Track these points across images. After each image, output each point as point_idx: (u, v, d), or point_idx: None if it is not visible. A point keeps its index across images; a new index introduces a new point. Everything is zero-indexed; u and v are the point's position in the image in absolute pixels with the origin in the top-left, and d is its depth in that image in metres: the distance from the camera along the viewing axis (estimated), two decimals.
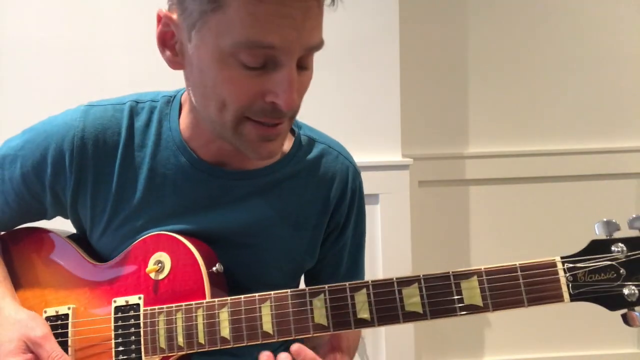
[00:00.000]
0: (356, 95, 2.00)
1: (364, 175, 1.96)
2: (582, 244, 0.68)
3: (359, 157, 1.96)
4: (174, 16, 0.74)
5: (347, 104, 2.00)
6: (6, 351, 0.78)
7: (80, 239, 0.96)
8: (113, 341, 0.82)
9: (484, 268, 0.69)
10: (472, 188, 2.35)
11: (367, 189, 1.96)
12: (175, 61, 0.78)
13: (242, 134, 0.77)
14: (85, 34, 1.92)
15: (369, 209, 1.99)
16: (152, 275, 0.84)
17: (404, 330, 2.04)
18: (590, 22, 2.35)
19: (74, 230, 0.98)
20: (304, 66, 0.76)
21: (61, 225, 0.99)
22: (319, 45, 0.74)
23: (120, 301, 0.84)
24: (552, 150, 2.32)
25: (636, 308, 0.65)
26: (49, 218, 0.97)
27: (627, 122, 2.37)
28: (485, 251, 2.37)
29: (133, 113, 0.89)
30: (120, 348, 0.82)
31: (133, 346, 0.81)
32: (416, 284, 0.71)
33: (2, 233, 0.97)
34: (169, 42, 0.77)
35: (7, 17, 1.91)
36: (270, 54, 0.70)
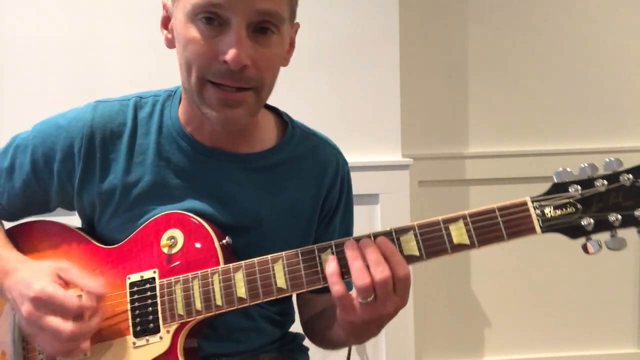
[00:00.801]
0: (356, 95, 2.00)
1: (364, 175, 1.98)
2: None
3: (359, 157, 1.99)
4: (168, 2, 0.88)
5: (348, 104, 2.00)
6: (38, 278, 0.83)
7: (85, 230, 0.99)
8: (129, 313, 0.86)
9: (468, 212, 0.78)
10: (472, 188, 2.36)
11: (367, 189, 1.99)
12: (170, 40, 0.90)
13: (205, 99, 0.85)
14: (85, 34, 1.92)
15: (369, 208, 2.00)
16: (165, 250, 0.88)
17: (404, 330, 2.04)
18: (590, 22, 2.35)
19: (77, 225, 1.00)
20: (262, 33, 0.83)
21: (63, 220, 1.00)
22: (271, 12, 0.82)
23: (135, 277, 0.88)
24: (552, 150, 2.32)
25: (593, 237, 0.76)
26: (52, 209, 1.00)
27: (627, 122, 2.37)
28: (485, 251, 2.36)
29: (137, 106, 0.97)
30: (137, 320, 0.86)
31: (150, 317, 0.86)
32: (412, 231, 0.79)
33: (9, 227, 1.00)
34: (167, 24, 0.90)
35: (7, 17, 1.91)
36: (220, 15, 0.80)
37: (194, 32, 0.82)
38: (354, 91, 2.00)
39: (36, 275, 0.83)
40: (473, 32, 2.33)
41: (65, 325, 0.79)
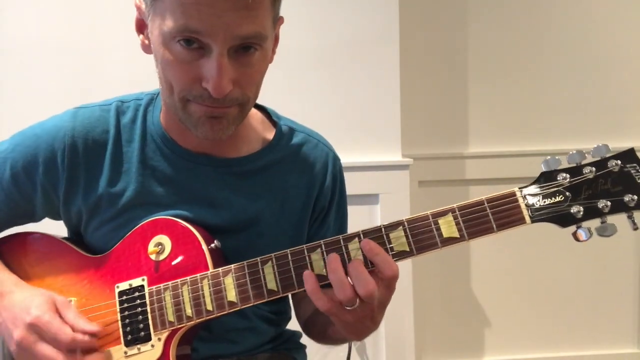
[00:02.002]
0: (356, 96, 2.00)
1: (364, 175, 1.98)
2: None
3: (359, 157, 1.99)
4: (142, 5, 0.83)
5: (348, 104, 2.00)
6: (36, 305, 0.82)
7: (72, 239, 0.98)
8: (120, 322, 0.85)
9: (457, 205, 0.78)
10: (472, 188, 2.35)
11: (367, 189, 1.99)
12: (146, 45, 0.85)
13: (190, 114, 0.83)
14: (85, 34, 1.92)
15: (369, 208, 2.00)
16: (153, 257, 0.87)
17: (404, 330, 2.04)
18: (590, 22, 2.35)
19: (63, 235, 0.99)
20: (245, 51, 0.79)
21: (52, 230, 0.99)
22: (252, 36, 0.78)
23: (124, 285, 0.87)
24: (552, 150, 2.32)
25: (583, 224, 0.75)
26: (37, 220, 0.98)
27: (627, 122, 2.37)
28: (484, 251, 2.37)
29: (119, 112, 0.94)
30: (128, 329, 0.85)
31: (141, 325, 0.85)
32: (401, 227, 0.78)
33: None
34: (143, 29, 0.85)
35: (7, 17, 1.90)
36: (200, 39, 0.76)
37: (172, 55, 0.78)
38: (354, 91, 2.00)
39: (34, 301, 0.82)
40: (473, 32, 2.33)
41: (57, 356, 0.78)
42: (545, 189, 0.76)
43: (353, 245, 0.79)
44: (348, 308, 0.75)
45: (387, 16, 1.99)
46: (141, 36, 0.86)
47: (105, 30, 1.93)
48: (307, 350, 1.11)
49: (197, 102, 0.81)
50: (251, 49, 0.80)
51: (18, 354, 0.82)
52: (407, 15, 2.16)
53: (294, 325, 1.10)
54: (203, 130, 0.84)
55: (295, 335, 1.09)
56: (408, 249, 0.78)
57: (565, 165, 0.77)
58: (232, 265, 0.83)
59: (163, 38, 0.78)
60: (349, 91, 2.00)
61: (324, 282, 0.78)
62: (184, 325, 0.83)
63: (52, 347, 0.79)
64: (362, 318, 0.78)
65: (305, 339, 1.09)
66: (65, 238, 0.98)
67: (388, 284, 0.77)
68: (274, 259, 0.82)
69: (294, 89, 1.95)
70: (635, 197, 0.74)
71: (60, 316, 0.82)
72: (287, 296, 1.06)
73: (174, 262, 0.86)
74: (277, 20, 0.87)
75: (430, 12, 2.31)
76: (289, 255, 0.81)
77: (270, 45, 0.85)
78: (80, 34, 1.92)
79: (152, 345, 0.84)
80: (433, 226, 0.78)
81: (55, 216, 0.97)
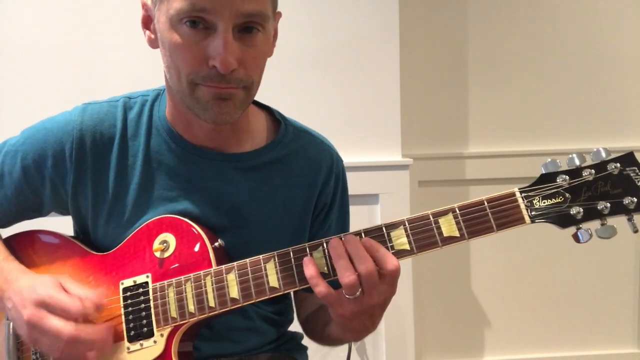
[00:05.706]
0: (356, 96, 2.00)
1: (364, 175, 1.98)
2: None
3: (359, 157, 1.99)
4: (148, 1, 0.86)
5: (348, 104, 2.00)
6: (41, 283, 0.83)
7: (79, 237, 0.99)
8: (123, 318, 0.86)
9: (457, 205, 0.79)
10: (472, 188, 2.35)
11: (367, 189, 1.99)
12: (152, 40, 0.88)
13: (199, 98, 0.84)
14: (85, 34, 1.92)
15: (369, 208, 2.01)
16: (158, 254, 0.88)
17: (404, 330, 2.04)
18: (590, 23, 2.35)
19: (69, 233, 1.00)
20: (248, 33, 0.82)
21: (58, 228, 1.00)
22: (255, 14, 0.81)
23: (128, 282, 0.88)
24: (552, 151, 2.32)
25: (583, 225, 0.76)
26: (45, 214, 1.00)
27: (627, 122, 2.37)
28: (484, 251, 2.37)
29: (126, 107, 0.96)
30: (131, 324, 0.86)
31: (144, 321, 0.86)
32: (402, 226, 0.80)
33: (4, 236, 1.00)
34: (149, 24, 0.88)
35: (7, 17, 1.91)
36: (205, 18, 0.79)
37: (179, 37, 0.80)
38: (354, 91, 2.00)
39: (39, 281, 0.84)
40: (473, 32, 2.33)
41: (67, 326, 0.78)
42: (545, 190, 0.77)
43: None
44: (349, 297, 0.76)
45: (387, 16, 1.99)
46: (147, 32, 0.89)
47: (105, 30, 1.93)
48: (307, 351, 1.11)
49: (205, 83, 0.82)
50: (254, 30, 0.82)
51: (29, 334, 0.81)
52: (407, 15, 2.16)
53: (295, 327, 1.10)
54: (211, 114, 0.84)
55: (297, 336, 1.10)
56: (408, 248, 0.79)
57: (565, 167, 0.78)
58: (235, 263, 0.84)
59: (170, 22, 0.80)
60: (349, 91, 2.00)
61: (326, 279, 0.78)
62: (186, 321, 0.84)
63: (62, 318, 0.79)
64: (361, 314, 0.79)
65: (306, 341, 1.09)
66: (72, 236, 0.99)
67: (390, 279, 0.77)
68: (276, 257, 0.82)
69: (294, 90, 1.95)
70: (635, 200, 0.74)
71: (65, 291, 0.83)
72: (289, 296, 1.07)
73: (178, 260, 0.87)
74: (276, 11, 0.89)
75: (430, 12, 2.32)
76: (291, 253, 0.82)
77: (271, 28, 0.87)
78: (80, 34, 1.92)
79: (155, 341, 0.84)
80: (433, 225, 0.78)
81: (63, 210, 0.98)
